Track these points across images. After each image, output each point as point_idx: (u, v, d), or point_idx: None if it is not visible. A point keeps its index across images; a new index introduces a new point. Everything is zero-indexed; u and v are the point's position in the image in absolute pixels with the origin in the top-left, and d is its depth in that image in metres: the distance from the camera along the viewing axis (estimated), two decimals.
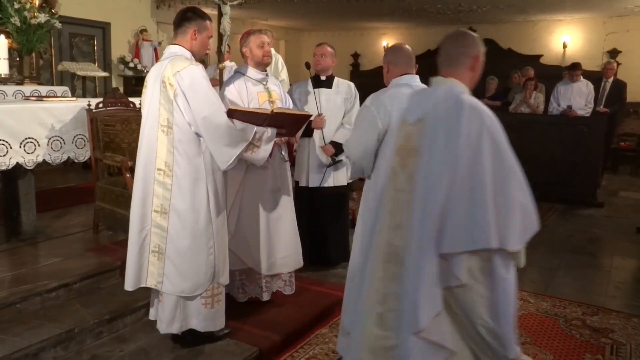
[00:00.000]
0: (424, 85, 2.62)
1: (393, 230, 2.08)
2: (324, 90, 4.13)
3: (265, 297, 3.49)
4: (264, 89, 3.38)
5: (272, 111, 2.90)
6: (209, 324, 2.92)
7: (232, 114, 2.79)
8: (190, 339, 2.96)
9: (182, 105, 2.67)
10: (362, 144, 2.66)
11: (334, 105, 4.15)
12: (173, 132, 2.70)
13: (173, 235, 2.77)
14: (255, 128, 2.88)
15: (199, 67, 2.72)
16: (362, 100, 4.31)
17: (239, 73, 3.42)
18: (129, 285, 2.83)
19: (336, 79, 4.23)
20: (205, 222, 2.80)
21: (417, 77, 2.78)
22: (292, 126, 3.22)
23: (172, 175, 2.73)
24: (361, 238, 2.66)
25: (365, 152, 2.65)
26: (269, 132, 2.98)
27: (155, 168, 2.75)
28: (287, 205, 3.52)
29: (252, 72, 3.38)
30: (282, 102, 3.49)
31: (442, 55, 2.11)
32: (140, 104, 3.97)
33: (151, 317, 3.00)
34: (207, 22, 2.85)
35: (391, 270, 2.05)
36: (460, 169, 1.89)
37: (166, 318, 2.87)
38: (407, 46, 2.88)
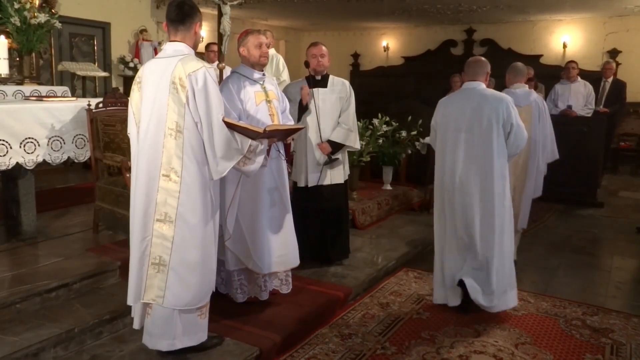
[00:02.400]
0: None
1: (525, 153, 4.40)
2: (319, 90, 4.12)
3: (264, 296, 3.49)
4: (261, 88, 3.37)
5: (264, 130, 2.82)
6: (201, 336, 2.82)
7: (226, 126, 2.67)
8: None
9: (192, 107, 2.56)
10: None
11: (330, 104, 4.14)
12: (183, 137, 2.57)
13: (180, 245, 2.62)
14: (250, 141, 2.75)
15: (212, 70, 2.63)
16: (359, 99, 4.35)
17: (236, 73, 3.41)
18: (130, 299, 2.76)
19: (331, 78, 4.21)
20: (213, 230, 2.73)
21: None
22: (284, 136, 3.25)
23: (179, 181, 2.59)
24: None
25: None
26: (262, 145, 2.90)
27: (160, 174, 2.61)
28: (284, 204, 3.51)
29: (249, 71, 3.37)
30: (279, 101, 3.49)
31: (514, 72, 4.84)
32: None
33: (136, 326, 2.81)
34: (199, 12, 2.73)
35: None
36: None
37: (156, 332, 2.72)
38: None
